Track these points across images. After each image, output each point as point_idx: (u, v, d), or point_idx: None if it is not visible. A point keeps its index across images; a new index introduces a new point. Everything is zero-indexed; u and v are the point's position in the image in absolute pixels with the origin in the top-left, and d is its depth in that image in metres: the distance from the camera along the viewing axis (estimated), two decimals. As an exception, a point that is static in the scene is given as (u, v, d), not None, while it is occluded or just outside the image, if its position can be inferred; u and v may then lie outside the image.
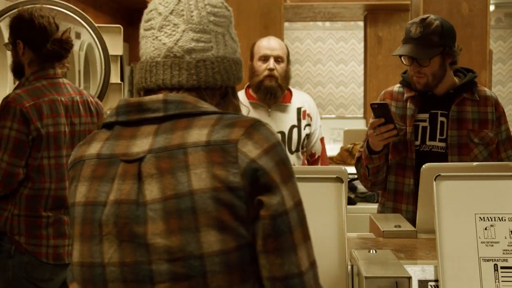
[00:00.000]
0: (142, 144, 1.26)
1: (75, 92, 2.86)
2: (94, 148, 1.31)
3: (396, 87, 2.94)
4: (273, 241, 1.22)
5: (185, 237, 1.19)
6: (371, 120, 2.71)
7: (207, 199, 1.20)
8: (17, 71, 2.85)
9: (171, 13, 1.35)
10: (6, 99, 2.70)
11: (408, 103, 2.85)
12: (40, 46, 2.77)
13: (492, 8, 8.62)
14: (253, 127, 1.26)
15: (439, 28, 2.72)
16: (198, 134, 1.24)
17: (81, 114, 2.83)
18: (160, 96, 1.29)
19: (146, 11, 1.40)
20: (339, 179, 1.76)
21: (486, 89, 2.91)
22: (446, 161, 2.75)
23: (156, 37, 1.34)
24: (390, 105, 2.86)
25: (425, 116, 2.82)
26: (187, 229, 1.19)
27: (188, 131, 1.25)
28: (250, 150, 1.23)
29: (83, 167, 1.30)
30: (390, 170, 2.85)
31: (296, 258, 1.23)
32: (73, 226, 1.30)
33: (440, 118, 2.81)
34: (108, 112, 1.36)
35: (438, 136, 2.80)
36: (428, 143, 2.80)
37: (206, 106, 1.30)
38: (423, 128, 2.82)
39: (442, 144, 2.78)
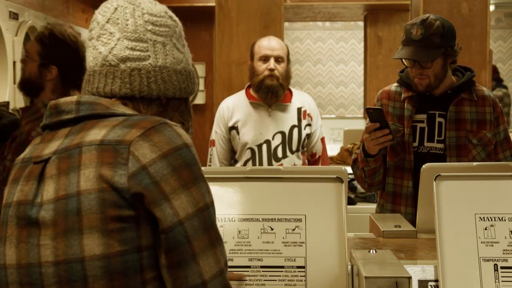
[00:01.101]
0: (53, 146, 1.26)
1: None
2: (22, 154, 1.33)
3: (394, 87, 2.92)
4: (172, 253, 1.18)
5: (69, 239, 1.17)
6: (366, 124, 2.70)
7: (92, 200, 1.17)
8: (31, 89, 2.64)
9: (107, 21, 1.33)
10: (27, 132, 2.49)
11: (405, 104, 2.83)
12: (76, 76, 2.43)
13: (492, 8, 8.62)
14: (155, 129, 1.21)
15: (440, 29, 2.70)
16: (96, 133, 1.22)
17: None
18: (74, 98, 1.29)
19: (90, 21, 1.40)
20: (339, 179, 1.76)
21: (484, 88, 2.89)
22: (445, 162, 2.74)
23: (95, 46, 1.34)
24: (387, 106, 2.86)
25: (423, 117, 2.80)
26: (72, 230, 1.17)
27: (89, 131, 1.24)
28: (144, 154, 1.19)
29: (12, 170, 1.32)
30: (388, 172, 2.84)
31: (198, 268, 1.19)
32: None
33: (438, 119, 2.79)
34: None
35: (436, 137, 2.78)
36: (426, 144, 2.79)
37: (120, 110, 1.27)
38: (421, 129, 2.80)
39: (440, 145, 2.77)
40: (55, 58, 2.58)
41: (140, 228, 1.18)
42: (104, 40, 1.32)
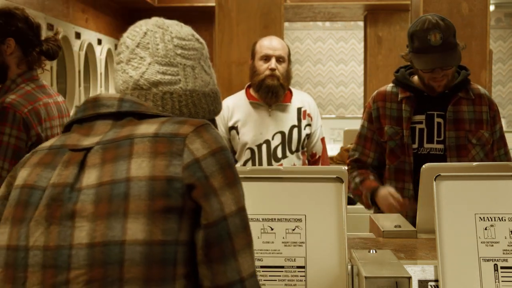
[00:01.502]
0: (93, 138, 1.26)
1: (56, 94, 2.81)
2: (49, 142, 1.32)
3: (389, 87, 2.88)
4: (213, 248, 1.19)
5: (110, 222, 1.16)
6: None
7: (142, 187, 1.17)
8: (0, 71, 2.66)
9: (137, 46, 1.36)
10: (1, 104, 2.56)
11: (403, 105, 2.80)
12: (34, 45, 2.67)
13: (492, 8, 8.62)
14: (203, 127, 1.25)
15: (452, 29, 2.68)
16: (146, 128, 1.24)
17: (67, 114, 2.80)
18: (117, 94, 1.31)
19: (118, 45, 1.41)
20: (339, 179, 1.76)
21: (479, 86, 2.88)
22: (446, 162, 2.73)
23: (124, 70, 1.36)
24: (384, 108, 2.83)
25: (422, 117, 2.78)
26: (115, 213, 1.16)
27: (137, 126, 1.25)
28: (197, 148, 1.21)
29: (31, 157, 1.30)
30: (389, 175, 2.82)
31: (237, 264, 1.20)
32: (5, 210, 1.26)
33: (436, 119, 2.77)
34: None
35: (435, 138, 2.76)
36: (426, 145, 2.77)
37: (160, 112, 1.31)
38: (420, 130, 2.78)
39: (440, 146, 2.75)
40: (9, 30, 2.62)
41: (182, 221, 1.18)
42: (135, 64, 1.35)
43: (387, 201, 2.66)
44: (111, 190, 1.18)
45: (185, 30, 1.40)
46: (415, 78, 2.85)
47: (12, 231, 1.22)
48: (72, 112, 1.43)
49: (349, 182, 2.88)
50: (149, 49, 1.35)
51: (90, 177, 1.20)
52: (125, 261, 1.14)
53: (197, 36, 1.42)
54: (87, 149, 1.24)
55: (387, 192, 2.68)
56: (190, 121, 1.25)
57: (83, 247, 1.16)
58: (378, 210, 2.79)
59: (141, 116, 1.28)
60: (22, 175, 1.27)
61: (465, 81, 2.82)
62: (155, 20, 1.41)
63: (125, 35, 1.39)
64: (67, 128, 1.34)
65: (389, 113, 2.83)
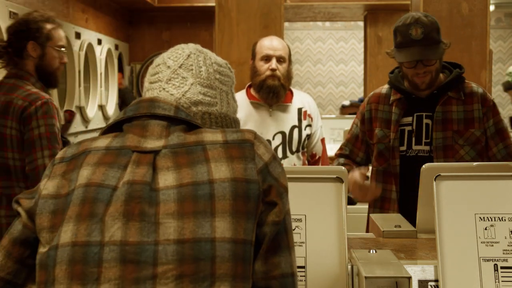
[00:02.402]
0: (154, 142, 1.29)
1: None
2: (101, 143, 1.30)
3: (384, 89, 2.89)
4: (275, 243, 1.25)
5: (199, 220, 1.19)
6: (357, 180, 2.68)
7: (226, 188, 1.22)
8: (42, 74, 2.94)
9: (180, 67, 1.41)
10: (41, 99, 2.77)
11: (393, 107, 2.81)
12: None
13: (492, 8, 8.62)
14: (257, 135, 1.34)
15: (435, 25, 2.69)
16: (212, 136, 1.30)
17: None
18: (173, 101, 1.35)
19: (152, 66, 1.46)
20: (339, 179, 1.76)
21: (473, 84, 2.84)
22: None
23: (164, 88, 1.40)
24: (377, 110, 2.85)
25: (410, 119, 2.78)
26: (203, 212, 1.20)
27: (200, 134, 1.30)
28: (263, 153, 1.30)
29: (87, 157, 1.28)
30: (376, 177, 2.83)
31: (290, 259, 1.27)
32: (65, 210, 1.24)
33: (425, 121, 2.76)
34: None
35: (423, 140, 2.76)
36: (414, 147, 2.76)
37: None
38: (409, 132, 2.77)
39: (427, 148, 2.74)
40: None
41: (254, 222, 1.24)
42: (176, 83, 1.40)
43: (352, 178, 2.67)
44: (195, 191, 1.21)
45: (220, 58, 1.49)
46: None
47: (79, 228, 1.20)
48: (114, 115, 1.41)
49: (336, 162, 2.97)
50: (192, 71, 1.41)
51: (167, 179, 1.23)
52: (216, 257, 1.18)
53: (229, 65, 1.50)
54: (155, 152, 1.27)
55: (356, 172, 2.69)
56: (246, 131, 1.33)
57: (171, 243, 1.18)
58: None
59: (192, 127, 1.33)
60: (83, 173, 1.25)
61: (456, 80, 2.79)
62: (194, 45, 1.48)
63: (165, 55, 1.45)
64: (113, 128, 1.35)
65: (381, 115, 2.84)
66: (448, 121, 2.75)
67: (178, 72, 1.41)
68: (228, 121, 1.44)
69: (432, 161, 2.72)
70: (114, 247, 1.18)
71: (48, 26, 2.87)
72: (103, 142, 1.30)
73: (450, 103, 2.76)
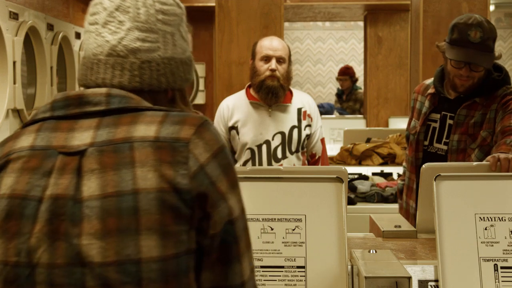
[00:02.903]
0: (82, 137, 1.17)
1: None
2: (25, 142, 1.20)
3: (429, 81, 2.92)
4: (220, 253, 1.16)
5: (122, 239, 1.10)
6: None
7: (152, 200, 1.11)
8: None
9: (116, 9, 1.26)
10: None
11: (426, 100, 2.86)
12: None
13: (492, 8, 8.62)
14: (204, 126, 1.18)
15: (495, 34, 2.68)
16: (145, 129, 1.16)
17: None
18: (103, 89, 1.21)
19: (92, 3, 1.30)
20: (339, 179, 1.76)
21: (507, 88, 2.75)
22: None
23: (100, 33, 1.26)
24: (416, 100, 2.91)
25: (437, 116, 2.82)
26: (126, 230, 1.10)
27: (133, 125, 1.17)
28: (200, 153, 1.15)
29: (11, 162, 1.18)
30: (406, 165, 2.92)
31: (240, 268, 1.17)
32: None
33: (448, 121, 2.79)
34: (37, 110, 1.25)
35: (443, 139, 2.80)
36: (435, 144, 2.81)
37: (151, 105, 1.23)
38: (433, 129, 2.82)
39: (445, 147, 2.78)
40: None
41: (191, 231, 1.14)
42: (112, 28, 1.25)
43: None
44: (119, 203, 1.11)
45: None
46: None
47: (8, 246, 1.14)
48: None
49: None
50: (130, 13, 1.25)
51: (91, 186, 1.13)
52: (143, 279, 1.10)
53: (177, 0, 1.33)
54: (81, 152, 1.16)
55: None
56: (189, 120, 1.19)
57: (96, 266, 1.10)
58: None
59: (131, 111, 1.20)
60: (7, 182, 1.16)
61: (488, 87, 2.74)
62: None
63: None
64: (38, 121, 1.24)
65: (418, 106, 2.89)
66: (466, 125, 2.75)
67: (115, 15, 1.25)
68: (174, 65, 1.27)
69: (446, 161, 2.74)
70: (42, 269, 1.12)
71: None
72: (27, 139, 1.20)
73: (475, 108, 2.74)
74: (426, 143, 2.82)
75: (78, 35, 6.40)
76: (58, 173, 1.15)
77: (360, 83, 8.82)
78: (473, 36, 2.62)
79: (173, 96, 1.29)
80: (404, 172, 3.01)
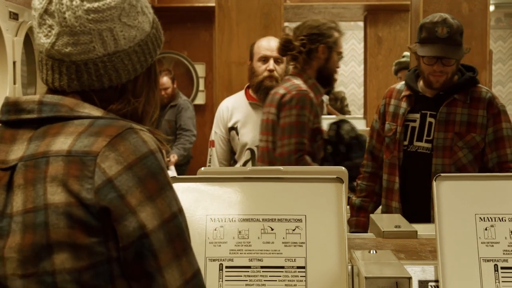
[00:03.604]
0: (18, 150, 1.19)
1: None
2: None
3: (399, 85, 2.99)
4: (137, 265, 1.15)
5: (37, 253, 1.13)
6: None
7: (60, 215, 1.12)
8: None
9: (45, 11, 1.21)
10: (299, 90, 2.98)
11: (402, 102, 2.90)
12: None
13: (492, 8, 8.62)
14: (121, 136, 1.15)
15: (461, 28, 2.78)
16: (62, 142, 1.15)
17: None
18: (36, 97, 1.21)
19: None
20: (339, 179, 1.76)
21: (483, 89, 2.88)
22: (430, 162, 2.78)
23: (37, 33, 1.23)
24: (389, 105, 2.95)
25: (416, 116, 2.86)
26: (40, 244, 1.13)
27: (55, 138, 1.16)
28: (109, 166, 1.13)
29: None
30: (384, 169, 2.93)
31: (163, 281, 1.15)
32: None
33: (428, 119, 2.84)
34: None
35: (425, 137, 2.84)
36: (415, 143, 2.86)
37: (85, 111, 1.20)
38: (412, 128, 2.86)
39: (428, 145, 2.82)
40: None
41: (109, 241, 1.14)
42: (45, 31, 1.21)
43: None
44: (34, 219, 1.13)
45: None
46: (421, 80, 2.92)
47: None
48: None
49: (357, 184, 3.06)
50: (55, 18, 1.19)
51: (18, 201, 1.15)
52: None
53: None
54: (13, 168, 1.17)
55: None
56: (108, 130, 1.16)
57: (17, 278, 1.14)
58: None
59: (62, 119, 1.19)
60: None
61: (464, 83, 2.85)
62: None
63: None
64: None
65: (392, 109, 2.93)
66: (451, 123, 2.81)
67: (44, 18, 1.21)
68: (117, 60, 1.21)
69: (431, 159, 2.80)
70: None
71: (336, 34, 3.14)
72: None
73: (455, 105, 2.82)
74: (406, 143, 2.86)
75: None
76: None
77: (360, 83, 8.82)
78: (440, 32, 2.73)
79: (122, 89, 1.25)
80: (361, 189, 3.04)
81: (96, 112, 1.21)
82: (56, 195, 1.13)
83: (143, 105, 1.27)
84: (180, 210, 1.20)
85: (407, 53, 5.67)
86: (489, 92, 2.89)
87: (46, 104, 1.19)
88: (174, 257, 1.17)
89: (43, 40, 1.22)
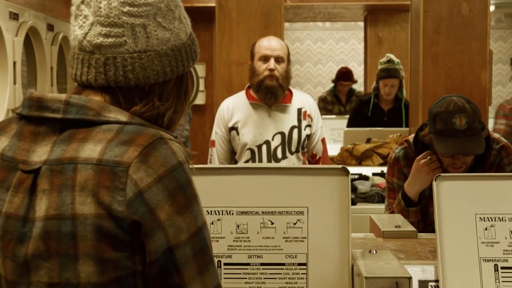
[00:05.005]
0: (41, 152, 1.16)
1: None
2: (1, 145, 1.21)
3: (398, 153, 2.77)
4: (162, 280, 1.14)
5: (63, 263, 1.11)
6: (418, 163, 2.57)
7: (88, 226, 1.10)
8: None
9: (82, 2, 1.22)
10: None
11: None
12: None
13: (492, 8, 8.62)
14: (152, 147, 1.13)
15: (478, 113, 2.50)
16: (91, 149, 1.13)
17: None
18: (62, 96, 1.18)
19: None
20: (344, 170, 1.72)
21: (495, 149, 2.63)
22: None
23: (73, 26, 1.23)
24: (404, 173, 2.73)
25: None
26: (66, 254, 1.11)
27: (83, 144, 1.14)
28: (141, 178, 1.11)
29: None
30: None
31: None
32: None
33: None
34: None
35: None
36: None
37: (111, 115, 1.17)
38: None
39: None
40: None
41: (136, 254, 1.13)
42: (80, 22, 1.21)
43: (416, 167, 2.57)
44: (59, 227, 1.11)
45: None
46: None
47: None
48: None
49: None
50: (91, 8, 1.20)
51: (42, 207, 1.13)
52: None
53: None
54: (36, 171, 1.15)
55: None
56: (138, 139, 1.13)
57: (43, 286, 1.12)
58: (415, 204, 2.66)
59: (88, 123, 1.16)
60: None
61: (480, 160, 2.62)
62: None
63: None
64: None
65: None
66: None
67: (81, 9, 1.21)
68: (146, 59, 1.20)
69: None
70: (3, 281, 1.15)
71: None
72: (2, 143, 1.21)
73: None
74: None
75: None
76: (13, 190, 1.16)
77: (360, 83, 8.81)
78: (459, 124, 2.44)
79: (149, 91, 1.22)
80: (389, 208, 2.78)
81: (122, 116, 1.18)
82: (85, 206, 1.10)
83: (169, 112, 1.25)
84: (204, 223, 1.18)
85: (390, 55, 5.53)
86: (500, 152, 2.65)
87: (73, 105, 1.16)
88: (198, 272, 1.15)
89: (77, 32, 1.21)
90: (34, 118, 1.19)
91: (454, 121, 2.44)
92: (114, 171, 1.11)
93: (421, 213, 2.64)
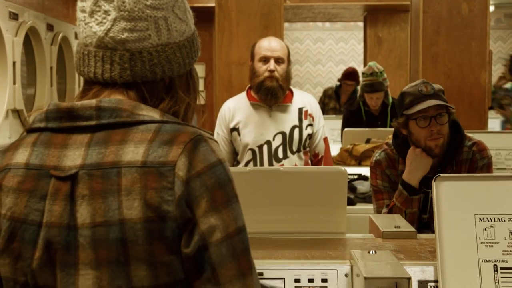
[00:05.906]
0: (74, 156, 1.13)
1: None
2: (21, 156, 1.17)
3: (379, 156, 2.85)
4: (196, 281, 1.10)
5: (114, 271, 1.08)
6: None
7: (138, 231, 1.08)
8: None
9: None
10: None
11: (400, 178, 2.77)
12: None
13: (492, 8, 8.63)
14: (193, 144, 1.12)
15: (442, 88, 2.70)
16: (133, 152, 1.11)
17: None
18: (92, 102, 1.15)
19: None
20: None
21: (467, 146, 2.74)
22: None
23: (87, 23, 1.19)
24: (386, 175, 2.83)
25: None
26: (116, 261, 1.08)
27: (123, 146, 1.12)
28: (184, 174, 1.09)
29: (6, 176, 1.16)
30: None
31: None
32: None
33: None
34: (35, 116, 1.21)
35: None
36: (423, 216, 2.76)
37: (144, 113, 1.16)
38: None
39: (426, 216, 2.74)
40: None
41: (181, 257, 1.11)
42: (99, 18, 1.18)
43: (412, 155, 2.68)
44: (107, 233, 1.09)
45: None
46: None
47: (15, 266, 1.14)
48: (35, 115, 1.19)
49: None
50: (114, 3, 1.17)
51: (83, 214, 1.10)
52: None
53: None
54: (72, 176, 1.12)
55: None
56: (179, 137, 1.12)
57: None
58: (415, 192, 2.71)
59: (123, 125, 1.14)
60: (6, 202, 1.14)
61: (454, 151, 2.73)
62: None
63: None
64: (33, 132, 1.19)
65: (393, 179, 2.83)
66: None
67: (100, 4, 1.17)
68: (170, 52, 1.19)
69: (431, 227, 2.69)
70: None
71: None
72: (24, 154, 1.17)
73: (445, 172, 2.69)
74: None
75: (77, 36, 6.40)
76: (51, 198, 1.13)
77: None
78: (425, 90, 2.64)
79: (171, 84, 1.22)
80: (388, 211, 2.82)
81: (154, 113, 1.16)
82: (133, 210, 1.08)
83: (192, 106, 1.24)
84: (244, 227, 1.14)
85: (373, 65, 5.37)
86: (472, 148, 2.75)
87: (105, 109, 1.14)
88: (239, 274, 1.10)
89: (94, 28, 1.18)
90: (63, 129, 1.16)
91: (420, 89, 2.65)
92: (160, 171, 1.09)
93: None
